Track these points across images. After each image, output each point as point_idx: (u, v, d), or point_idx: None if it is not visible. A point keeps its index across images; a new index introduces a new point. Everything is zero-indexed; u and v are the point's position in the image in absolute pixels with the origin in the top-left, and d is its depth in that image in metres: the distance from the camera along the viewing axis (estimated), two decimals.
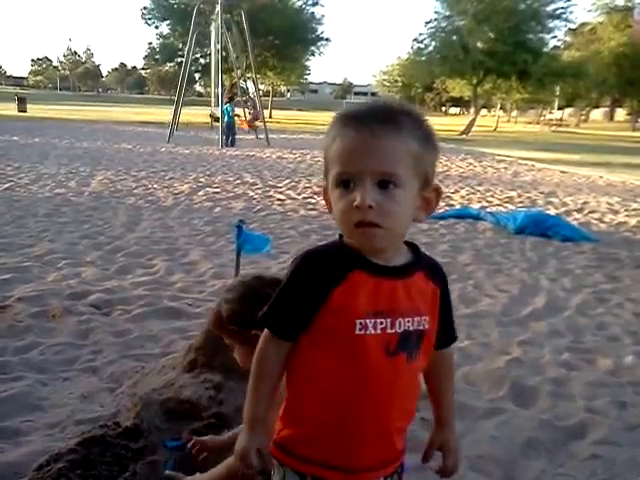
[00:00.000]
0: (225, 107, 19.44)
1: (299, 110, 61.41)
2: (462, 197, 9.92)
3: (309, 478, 1.21)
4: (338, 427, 1.18)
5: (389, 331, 1.14)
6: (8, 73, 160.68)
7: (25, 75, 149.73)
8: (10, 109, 33.36)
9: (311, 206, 8.34)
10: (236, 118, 20.58)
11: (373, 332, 1.13)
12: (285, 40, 37.16)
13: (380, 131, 1.08)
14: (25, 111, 32.86)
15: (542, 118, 57.57)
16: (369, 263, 1.14)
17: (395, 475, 1.29)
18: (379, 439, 1.20)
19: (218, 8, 20.30)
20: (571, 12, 49.92)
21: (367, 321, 1.12)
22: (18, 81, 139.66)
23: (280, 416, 1.27)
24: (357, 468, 1.20)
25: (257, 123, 23.00)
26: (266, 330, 1.22)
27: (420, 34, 39.17)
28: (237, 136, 19.64)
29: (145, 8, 37.57)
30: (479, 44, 34.62)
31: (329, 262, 1.15)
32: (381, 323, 1.13)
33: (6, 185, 8.78)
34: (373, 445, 1.20)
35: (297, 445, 1.22)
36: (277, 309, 1.20)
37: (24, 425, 2.53)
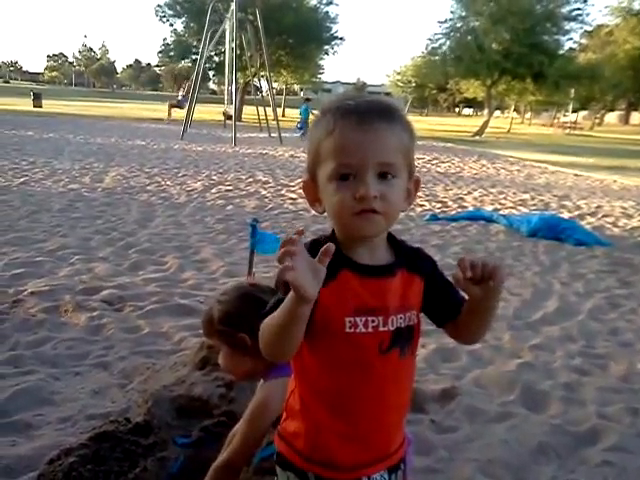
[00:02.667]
0: (305, 107, 22.97)
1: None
2: (475, 199, 9.88)
3: (312, 477, 1.23)
4: (334, 424, 1.20)
5: (381, 329, 1.16)
6: (24, 69, 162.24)
7: (41, 71, 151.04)
8: (26, 104, 33.62)
9: None
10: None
11: (364, 330, 1.14)
12: (299, 39, 37.09)
13: (380, 124, 1.11)
14: (40, 106, 33.08)
15: (556, 121, 57.22)
16: (355, 264, 1.16)
17: (399, 470, 1.29)
18: (375, 435, 1.22)
19: (233, 6, 20.31)
20: (587, 14, 49.47)
21: (357, 319, 1.14)
22: (34, 77, 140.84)
23: (285, 405, 1.31)
24: (351, 465, 1.22)
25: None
26: None
27: (435, 34, 39.11)
28: (250, 134, 19.79)
29: (160, 5, 37.65)
30: (494, 45, 34.44)
31: None
32: (373, 321, 1.15)
33: (21, 180, 8.85)
34: (369, 441, 1.22)
35: (296, 439, 1.25)
36: (277, 303, 1.14)
37: (36, 419, 2.55)
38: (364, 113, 1.11)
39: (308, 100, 24.53)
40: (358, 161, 1.10)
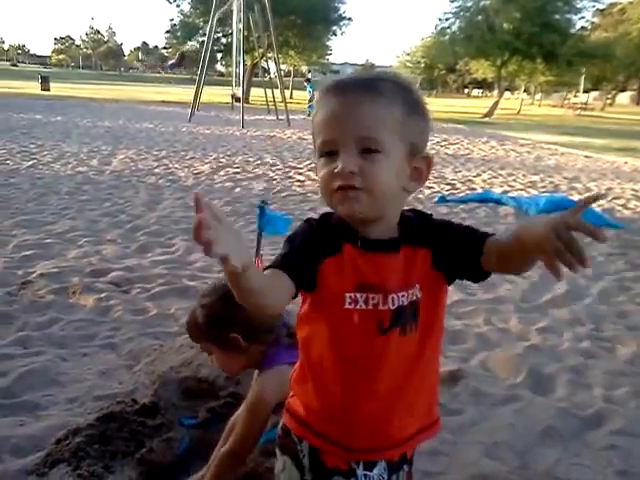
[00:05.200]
0: (311, 84, 26.25)
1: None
2: (484, 181, 9.81)
3: (304, 447, 1.22)
4: (333, 402, 1.18)
5: (381, 307, 1.12)
6: (32, 52, 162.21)
7: (48, 54, 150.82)
8: (34, 87, 33.62)
9: None
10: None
11: (364, 307, 1.11)
12: (307, 19, 36.68)
13: (360, 97, 1.06)
14: (48, 90, 33.04)
15: (566, 101, 56.52)
16: (359, 238, 1.12)
17: (401, 470, 1.26)
18: (376, 418, 1.18)
19: None
20: None
21: (357, 295, 1.11)
22: (41, 60, 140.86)
23: (292, 380, 1.30)
24: (354, 447, 1.19)
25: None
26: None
27: (445, 12, 38.65)
28: (258, 117, 19.72)
29: None
30: (505, 24, 33.97)
31: (331, 229, 1.14)
32: (373, 299, 1.11)
33: (29, 163, 8.87)
34: (368, 423, 1.18)
35: (299, 409, 1.25)
36: (283, 255, 1.13)
37: (44, 399, 2.57)
38: (344, 86, 1.09)
39: (308, 80, 27.40)
40: (337, 135, 1.07)
